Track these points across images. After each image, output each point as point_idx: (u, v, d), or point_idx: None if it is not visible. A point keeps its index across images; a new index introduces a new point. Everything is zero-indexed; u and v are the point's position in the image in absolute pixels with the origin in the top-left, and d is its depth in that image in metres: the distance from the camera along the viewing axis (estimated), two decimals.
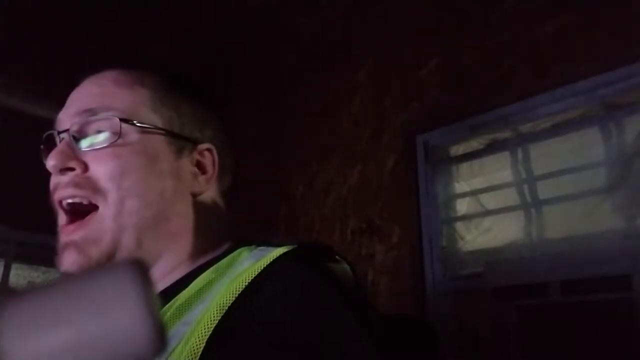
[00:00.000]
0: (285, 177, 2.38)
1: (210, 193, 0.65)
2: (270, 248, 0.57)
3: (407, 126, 1.98)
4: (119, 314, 0.30)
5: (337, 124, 2.23)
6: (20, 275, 1.86)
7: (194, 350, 0.45)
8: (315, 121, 2.34)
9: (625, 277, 1.35)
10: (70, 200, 0.58)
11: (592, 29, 1.57)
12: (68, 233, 0.58)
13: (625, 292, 1.34)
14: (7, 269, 1.77)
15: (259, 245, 0.60)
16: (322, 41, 2.19)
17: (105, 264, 0.56)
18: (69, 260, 0.57)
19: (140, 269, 0.32)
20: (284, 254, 0.54)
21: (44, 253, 1.78)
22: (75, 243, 0.57)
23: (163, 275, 0.59)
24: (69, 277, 0.33)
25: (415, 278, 1.80)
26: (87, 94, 0.61)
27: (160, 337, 0.31)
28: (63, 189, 0.58)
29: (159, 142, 0.60)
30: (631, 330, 1.32)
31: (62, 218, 0.59)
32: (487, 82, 1.77)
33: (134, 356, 0.30)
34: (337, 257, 0.60)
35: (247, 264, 0.54)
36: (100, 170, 0.57)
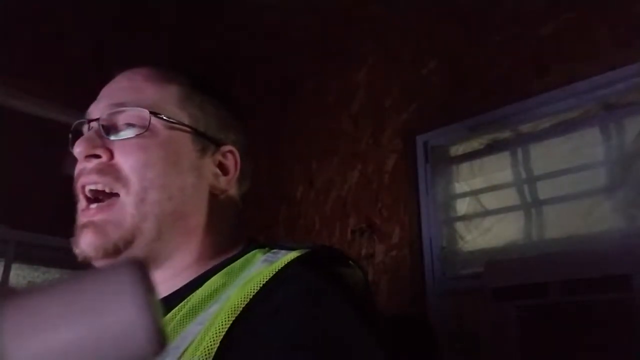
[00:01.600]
0: (285, 177, 2.38)
1: (230, 194, 0.66)
2: (283, 251, 0.57)
3: (407, 126, 1.98)
4: (118, 315, 0.30)
5: (337, 124, 2.23)
6: (20, 275, 1.86)
7: (207, 350, 0.46)
8: (315, 121, 2.34)
9: (625, 277, 1.35)
10: (92, 187, 0.58)
11: (592, 29, 1.57)
12: (88, 215, 0.58)
13: (625, 292, 1.34)
14: (7, 269, 1.77)
15: (272, 248, 0.60)
16: (322, 41, 2.19)
17: (122, 250, 0.56)
18: (86, 241, 0.57)
19: (141, 269, 0.32)
20: (297, 257, 0.54)
21: (44, 253, 1.78)
22: (94, 223, 0.57)
23: (177, 272, 0.60)
24: (69, 277, 0.33)
25: (415, 278, 1.80)
26: (118, 88, 0.63)
27: (159, 338, 0.31)
28: (86, 175, 0.58)
29: (184, 139, 0.62)
30: (631, 330, 1.32)
31: (82, 204, 0.60)
32: (487, 82, 1.77)
33: (134, 357, 0.30)
34: (350, 261, 0.60)
35: (261, 267, 0.55)
36: (124, 160, 0.58)
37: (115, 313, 0.30)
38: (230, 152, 0.65)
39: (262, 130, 2.43)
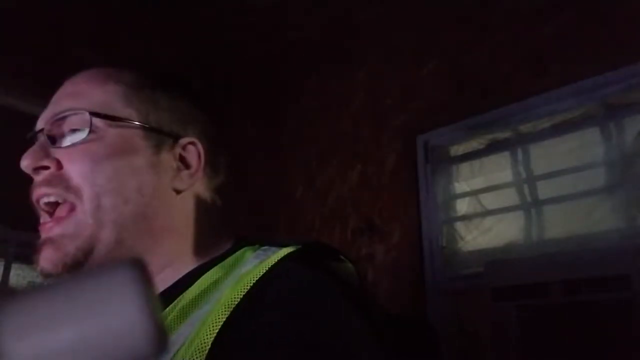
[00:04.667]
0: (285, 177, 2.38)
1: (197, 189, 0.63)
2: (274, 248, 0.56)
3: (407, 126, 1.98)
4: (118, 314, 0.30)
5: (337, 124, 2.23)
6: (20, 275, 1.86)
7: (199, 350, 0.45)
8: (315, 121, 2.34)
9: (625, 277, 1.35)
10: (46, 200, 0.57)
11: (592, 29, 1.57)
12: (45, 230, 0.56)
13: (625, 292, 1.34)
14: (7, 269, 1.77)
15: (262, 245, 0.59)
16: (322, 41, 2.19)
17: (82, 261, 0.55)
18: (44, 257, 0.55)
19: (140, 268, 0.32)
20: (289, 254, 0.54)
21: None
22: (51, 239, 0.56)
23: (153, 274, 0.58)
24: (69, 277, 0.33)
25: (415, 278, 1.80)
26: (62, 94, 0.61)
27: (160, 338, 0.31)
28: (37, 188, 0.57)
29: (134, 137, 0.59)
30: (631, 330, 1.32)
31: (43, 217, 0.58)
32: (487, 82, 1.77)
33: (134, 357, 0.30)
34: (341, 256, 0.60)
35: (252, 265, 0.54)
36: (72, 168, 0.56)
37: (115, 313, 0.30)
38: (192, 143, 0.62)
39: (262, 130, 2.42)
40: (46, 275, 0.56)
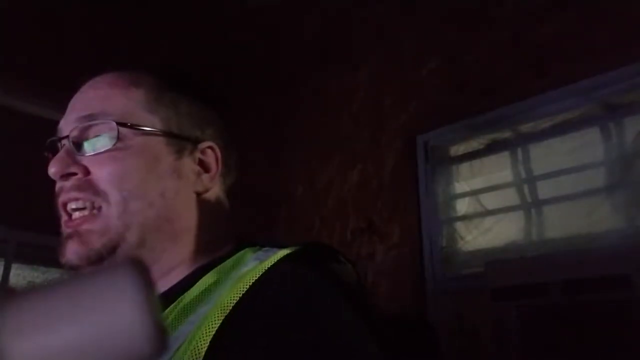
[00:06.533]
0: (285, 177, 2.38)
1: (215, 191, 0.65)
2: (274, 249, 0.57)
3: (407, 126, 1.98)
4: (119, 314, 0.30)
5: (337, 124, 2.23)
6: (20, 275, 1.86)
7: (197, 349, 0.45)
8: (315, 121, 2.34)
9: (625, 277, 1.35)
10: (74, 205, 0.58)
11: (592, 29, 1.57)
12: (72, 225, 0.58)
13: (625, 292, 1.34)
14: (7, 269, 1.77)
15: (263, 246, 0.60)
16: (322, 41, 2.19)
17: (105, 257, 0.57)
18: (71, 250, 0.57)
19: (140, 268, 0.32)
20: (288, 255, 0.54)
21: (44, 253, 1.78)
22: (78, 233, 0.58)
23: (164, 273, 0.59)
24: (69, 277, 0.33)
25: (415, 278, 1.80)
26: (84, 99, 0.62)
27: (160, 338, 0.31)
28: (66, 193, 0.59)
29: (158, 144, 0.61)
30: (631, 330, 1.32)
31: (64, 217, 0.60)
32: (487, 82, 1.77)
33: (135, 357, 0.30)
34: (341, 258, 0.60)
35: (252, 265, 0.54)
36: (100, 174, 0.58)
37: (116, 312, 0.30)
38: (210, 148, 0.64)
39: (262, 130, 2.42)
40: (71, 267, 0.58)
